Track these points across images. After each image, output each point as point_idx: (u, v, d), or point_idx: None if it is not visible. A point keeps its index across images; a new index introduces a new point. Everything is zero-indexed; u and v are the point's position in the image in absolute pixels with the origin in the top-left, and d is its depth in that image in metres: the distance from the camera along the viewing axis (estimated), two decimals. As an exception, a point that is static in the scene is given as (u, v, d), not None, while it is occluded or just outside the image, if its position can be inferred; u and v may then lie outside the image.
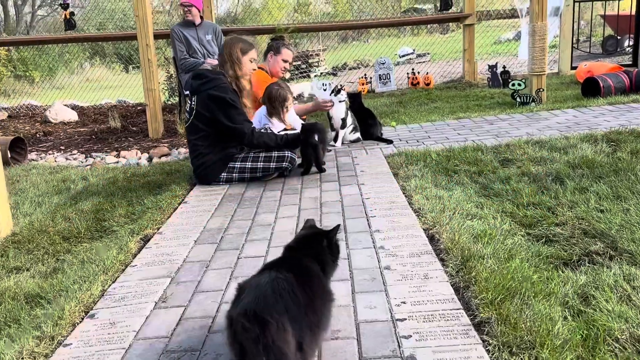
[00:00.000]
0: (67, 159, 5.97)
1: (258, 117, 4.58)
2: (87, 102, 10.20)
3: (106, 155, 5.82)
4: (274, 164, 3.92)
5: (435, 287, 2.21)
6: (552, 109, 5.93)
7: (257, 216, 3.26)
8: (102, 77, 17.44)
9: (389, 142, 4.93)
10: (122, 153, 5.77)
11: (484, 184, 3.64)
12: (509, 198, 3.34)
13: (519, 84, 6.53)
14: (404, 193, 3.47)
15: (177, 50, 6.29)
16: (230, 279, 2.44)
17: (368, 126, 5.08)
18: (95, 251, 2.94)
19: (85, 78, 18.68)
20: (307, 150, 3.97)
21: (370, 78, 9.32)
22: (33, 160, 6.03)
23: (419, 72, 9.31)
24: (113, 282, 2.53)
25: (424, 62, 14.60)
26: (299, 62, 14.66)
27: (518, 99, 6.41)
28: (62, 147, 6.50)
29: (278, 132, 4.57)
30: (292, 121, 4.72)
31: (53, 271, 2.84)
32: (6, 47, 14.52)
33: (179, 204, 3.64)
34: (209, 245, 2.86)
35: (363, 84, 9.17)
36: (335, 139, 4.97)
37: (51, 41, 9.59)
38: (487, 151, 4.34)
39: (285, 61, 5.21)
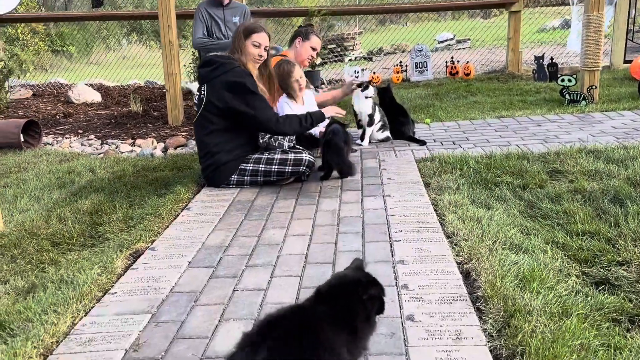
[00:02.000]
0: (82, 144, 5.63)
1: (279, 106, 4.12)
2: (115, 82, 9.90)
3: (122, 143, 5.46)
4: (290, 167, 3.46)
5: (471, 355, 1.73)
6: (605, 110, 5.29)
7: (264, 232, 2.82)
8: (139, 54, 17.17)
9: (422, 143, 4.40)
10: (138, 141, 5.39)
11: (530, 202, 3.11)
12: (560, 223, 2.81)
13: (569, 80, 5.89)
14: (435, 210, 2.97)
15: (194, 29, 5.81)
16: (219, 320, 2.00)
17: (399, 124, 4.56)
18: (78, 267, 2.54)
19: (121, 55, 18.49)
20: (329, 154, 3.50)
21: (406, 66, 8.73)
22: (48, 144, 5.71)
23: (458, 61, 8.67)
24: (86, 314, 2.12)
25: (463, 48, 13.85)
26: (334, 45, 14.08)
27: (567, 97, 5.78)
28: (80, 131, 6.17)
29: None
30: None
31: (29, 290, 2.46)
32: (44, 23, 14.36)
33: (182, 210, 3.22)
34: (204, 269, 2.43)
35: (398, 72, 8.60)
36: (362, 138, 4.47)
37: (75, 18, 9.28)
38: (534, 160, 3.79)
39: (313, 49, 4.72)
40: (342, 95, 4.74)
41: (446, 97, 6.71)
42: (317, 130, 4.08)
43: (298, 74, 4.00)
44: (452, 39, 14.98)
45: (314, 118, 3.55)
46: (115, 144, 5.48)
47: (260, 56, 3.66)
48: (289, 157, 3.45)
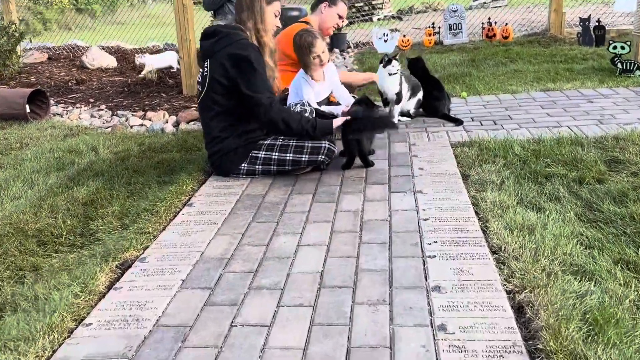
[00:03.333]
0: (92, 115, 5.23)
1: (295, 85, 3.62)
2: (134, 44, 9.43)
3: (132, 115, 5.04)
4: (307, 156, 2.98)
5: None
6: (666, 82, 4.65)
7: (274, 239, 2.38)
8: (163, 12, 16.53)
9: (459, 122, 3.87)
10: (149, 114, 4.96)
11: (588, 201, 2.60)
12: (627, 232, 2.30)
13: (622, 47, 5.21)
14: (476, 212, 2.49)
15: None
16: (210, 372, 1.59)
17: (433, 99, 4.02)
18: (57, 281, 2.15)
19: (145, 14, 17.95)
20: (350, 140, 3.01)
21: (439, 28, 8.04)
22: (57, 114, 5.33)
23: (495, 22, 7.95)
24: (52, 352, 1.73)
25: (500, 6, 12.95)
26: (361, 4, 13.33)
27: (620, 66, 5.12)
28: (92, 100, 5.77)
29: (319, 103, 3.63)
30: (337, 95, 3.74)
31: (-2, 309, 2.09)
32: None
33: (183, 205, 2.79)
34: (199, 291, 2.01)
35: (430, 35, 7.93)
36: (390, 117, 3.95)
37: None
38: (589, 146, 3.24)
39: (340, 17, 4.17)
40: (366, 80, 4.21)
41: (483, 63, 6.08)
42: (339, 109, 3.59)
43: (320, 47, 3.48)
44: (487, -3, 14.02)
45: (318, 127, 2.99)
46: (126, 116, 5.06)
47: (278, 26, 3.17)
48: (306, 145, 2.97)
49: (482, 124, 3.84)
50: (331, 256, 2.19)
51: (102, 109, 5.42)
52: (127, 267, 2.22)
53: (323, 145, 2.97)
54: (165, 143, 4.00)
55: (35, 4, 18.27)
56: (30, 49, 8.18)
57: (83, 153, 3.87)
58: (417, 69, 4.10)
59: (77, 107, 5.58)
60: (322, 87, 3.63)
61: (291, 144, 2.98)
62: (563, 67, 5.56)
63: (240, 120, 2.99)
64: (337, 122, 3.07)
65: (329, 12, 4.12)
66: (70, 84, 6.42)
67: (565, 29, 7.90)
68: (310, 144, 2.97)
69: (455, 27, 7.89)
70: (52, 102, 5.77)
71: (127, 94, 5.86)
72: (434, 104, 4.00)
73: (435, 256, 2.13)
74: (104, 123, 4.98)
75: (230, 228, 2.49)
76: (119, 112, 5.22)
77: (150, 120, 4.85)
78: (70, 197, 3.11)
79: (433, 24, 8.11)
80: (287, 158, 2.98)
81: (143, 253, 2.31)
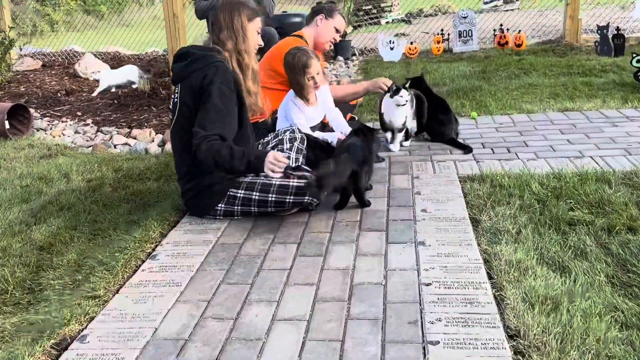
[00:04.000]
0: (76, 131, 4.85)
1: (284, 109, 3.21)
2: (134, 50, 9.05)
3: (117, 132, 4.64)
4: (292, 197, 2.56)
5: None
6: (698, 101, 4.18)
7: (245, 309, 1.95)
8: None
9: (468, 149, 3.42)
10: (134, 132, 4.56)
11: (620, 258, 2.16)
12: (674, 307, 1.86)
13: (647, 60, 4.74)
14: (489, 275, 2.06)
15: None
16: None
17: (439, 123, 3.58)
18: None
19: (153, 14, 17.60)
20: (343, 175, 2.58)
21: (448, 34, 7.58)
22: (41, 129, 4.95)
23: (507, 29, 7.47)
24: None
25: (512, 10, 12.44)
26: (370, 7, 12.86)
27: (645, 81, 4.66)
28: (79, 113, 5.39)
29: (313, 128, 3.22)
30: (331, 119, 3.32)
31: None
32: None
33: (147, 257, 2.38)
34: (142, 391, 1.59)
35: (438, 42, 7.47)
36: (392, 141, 3.51)
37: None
38: (617, 182, 2.79)
39: (337, 31, 3.74)
40: (363, 92, 3.77)
41: (495, 75, 5.62)
42: (334, 136, 3.17)
43: (316, 68, 3.07)
44: (499, 0, 13.51)
45: (251, 163, 2.48)
46: (111, 133, 4.67)
47: (261, 45, 2.76)
48: (291, 184, 2.55)
49: (494, 152, 3.40)
50: (311, 338, 1.77)
51: (88, 124, 5.03)
52: (63, 347, 1.81)
53: (311, 185, 2.54)
54: (145, 168, 3.59)
55: (43, 6, 18.00)
56: (24, 55, 7.82)
57: (54, 181, 3.48)
58: (419, 89, 3.66)
59: (62, 121, 5.20)
60: (315, 111, 3.21)
61: (274, 182, 2.56)
62: (581, 81, 5.09)
63: (216, 153, 2.57)
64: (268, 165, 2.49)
65: (325, 25, 3.70)
66: (59, 94, 6.04)
67: (582, 36, 7.41)
68: (295, 184, 2.54)
69: (465, 34, 7.43)
70: (37, 115, 5.40)
71: (117, 107, 5.46)
72: (440, 129, 3.56)
73: (438, 342, 1.70)
74: (87, 141, 4.59)
75: (195, 292, 2.07)
76: (104, 128, 4.83)
77: (135, 138, 4.45)
78: (28, 239, 2.71)
79: (442, 30, 7.65)
80: (270, 199, 2.56)
81: (86, 328, 1.90)
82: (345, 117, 3.91)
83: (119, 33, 10.27)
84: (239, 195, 2.59)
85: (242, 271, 2.20)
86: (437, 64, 6.63)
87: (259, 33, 2.71)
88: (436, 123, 3.56)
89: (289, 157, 2.90)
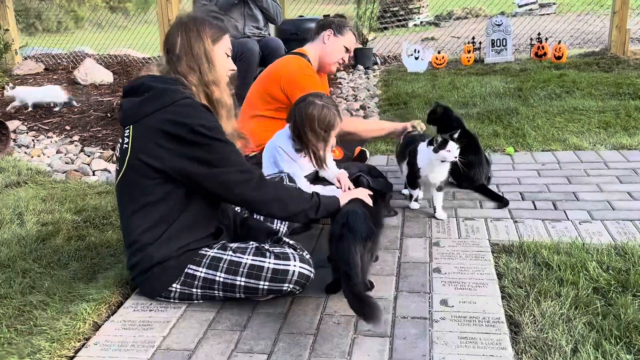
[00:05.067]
0: (58, 151, 4.28)
1: (271, 152, 2.55)
2: (147, 52, 8.47)
3: (100, 154, 4.06)
4: (266, 283, 1.88)
5: None
6: None
7: None
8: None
9: (503, 202, 2.70)
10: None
11: None
12: None
13: None
14: None
15: None
16: None
17: (467, 166, 2.86)
18: None
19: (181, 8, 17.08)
20: (337, 254, 1.89)
21: (479, 43, 6.81)
22: (22, 146, 4.41)
23: (546, 39, 6.65)
24: None
25: (548, 14, 11.53)
26: (397, 8, 12.07)
27: None
28: (68, 128, 4.82)
29: (310, 175, 2.56)
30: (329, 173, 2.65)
31: None
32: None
33: (67, 364, 1.75)
34: None
35: (469, 52, 6.69)
36: (410, 197, 2.78)
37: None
38: None
39: (347, 50, 3.05)
40: (385, 134, 3.08)
41: (533, 95, 4.85)
42: (336, 192, 2.49)
43: (337, 132, 2.42)
44: (534, 3, 12.60)
45: (324, 206, 2.02)
46: (94, 154, 4.08)
47: (233, 70, 2.10)
48: (266, 265, 1.88)
49: (536, 207, 2.67)
50: None
51: (75, 141, 4.47)
52: None
53: (292, 269, 1.87)
54: (113, 209, 2.97)
55: (68, 2, 17.69)
56: (29, 57, 7.32)
57: (3, 223, 2.87)
58: (446, 121, 2.95)
59: (48, 137, 4.64)
60: (309, 163, 2.53)
61: (244, 261, 1.90)
62: (635, 105, 4.29)
63: (173, 217, 1.92)
64: (345, 197, 2.12)
65: (333, 43, 3.01)
66: (52, 104, 5.48)
67: (630, 48, 6.56)
68: (272, 265, 1.87)
69: (499, 44, 6.64)
70: (24, 128, 4.86)
71: (108, 122, 4.88)
72: (468, 173, 2.83)
73: None
74: (65, 163, 4.00)
75: None
76: (87, 148, 4.24)
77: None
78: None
79: (473, 38, 6.87)
80: (238, 283, 1.90)
81: None
82: (354, 149, 3.23)
83: (141, 30, 9.62)
84: (199, 274, 1.93)
85: (182, 404, 1.55)
86: (466, 77, 5.87)
87: (228, 55, 2.05)
88: (464, 164, 2.84)
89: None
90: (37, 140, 4.58)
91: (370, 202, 2.09)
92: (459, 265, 2.16)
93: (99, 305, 1.99)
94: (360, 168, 2.75)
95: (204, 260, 1.94)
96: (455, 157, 2.46)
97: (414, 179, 2.64)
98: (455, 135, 2.48)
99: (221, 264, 1.91)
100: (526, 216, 2.56)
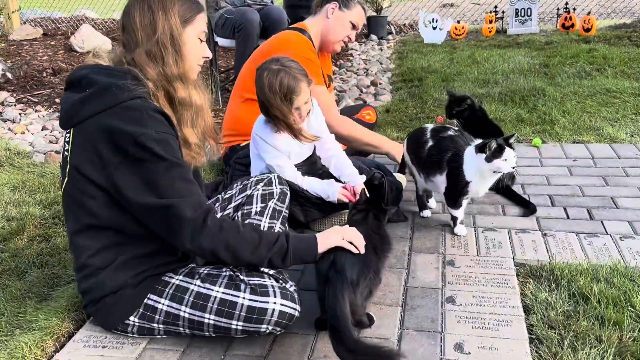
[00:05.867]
0: (43, 127, 3.91)
1: (256, 146, 2.15)
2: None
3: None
4: (240, 324, 1.51)
5: None
6: None
7: None
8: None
9: (529, 209, 2.28)
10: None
11: None
12: None
13: None
14: None
15: None
16: None
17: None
18: None
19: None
20: (325, 296, 1.50)
21: (502, 12, 6.24)
22: (8, 121, 4.05)
23: (574, 9, 6.06)
24: None
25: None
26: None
27: None
28: (57, 100, 4.44)
29: (304, 165, 2.17)
30: (325, 154, 2.25)
31: None
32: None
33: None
34: None
35: (490, 22, 6.14)
36: (454, 221, 2.28)
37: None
38: None
39: (354, 27, 2.60)
40: (379, 152, 2.65)
41: (560, 72, 4.35)
42: (335, 188, 2.10)
43: (304, 97, 1.99)
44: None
45: (295, 253, 1.54)
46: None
47: (208, 57, 1.67)
48: (239, 302, 1.50)
49: (568, 215, 2.25)
50: None
51: (63, 116, 4.08)
52: None
53: (270, 307, 1.49)
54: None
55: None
56: (28, 21, 6.90)
57: (-36, 217, 2.53)
58: (471, 116, 2.51)
59: (35, 110, 4.27)
60: (300, 152, 2.14)
61: (213, 295, 1.53)
62: (675, 87, 3.80)
63: (127, 243, 1.55)
64: (325, 242, 1.57)
65: (338, 18, 2.56)
66: (45, 73, 5.09)
67: (665, 20, 5.97)
68: (246, 302, 1.50)
69: (523, 13, 6.07)
70: (12, 99, 4.49)
71: (101, 95, 4.48)
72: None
73: None
74: (49, 142, 3.64)
75: None
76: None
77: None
78: None
79: (496, 7, 6.30)
80: (206, 321, 1.53)
81: None
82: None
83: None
84: (160, 307, 1.57)
85: None
86: (487, 49, 5.36)
87: (202, 40, 1.62)
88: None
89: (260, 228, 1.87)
90: (25, 114, 4.22)
91: (361, 247, 1.56)
92: (477, 294, 1.77)
93: (45, 337, 1.65)
94: (364, 162, 2.35)
95: (167, 289, 1.57)
96: (513, 168, 1.97)
97: (459, 196, 2.07)
98: (512, 140, 1.99)
99: (187, 296, 1.55)
100: (557, 227, 2.15)
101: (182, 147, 1.56)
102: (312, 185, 2.11)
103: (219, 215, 1.53)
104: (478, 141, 2.05)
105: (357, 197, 2.00)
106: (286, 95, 1.96)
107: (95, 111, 1.47)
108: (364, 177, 2.15)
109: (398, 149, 2.47)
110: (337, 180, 2.17)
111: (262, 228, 1.89)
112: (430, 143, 2.11)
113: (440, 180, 2.08)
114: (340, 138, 2.41)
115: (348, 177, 2.14)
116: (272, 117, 2.04)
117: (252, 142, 2.15)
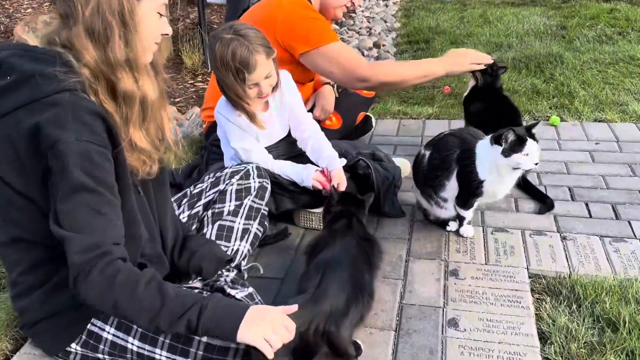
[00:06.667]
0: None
1: (225, 130, 1.83)
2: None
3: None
4: (200, 355, 1.23)
5: None
6: None
7: None
8: None
9: (546, 205, 1.97)
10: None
11: None
12: None
13: None
14: None
15: None
16: None
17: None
18: None
19: None
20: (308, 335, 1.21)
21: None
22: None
23: (595, -37, 5.53)
24: None
25: None
26: None
27: None
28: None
29: (271, 150, 1.86)
30: (301, 135, 1.94)
31: None
32: None
33: None
34: None
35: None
36: (460, 221, 1.85)
37: None
38: None
39: None
40: (431, 80, 2.28)
41: (580, 36, 3.93)
42: (309, 171, 1.80)
43: (263, 71, 1.65)
44: None
45: (206, 331, 1.12)
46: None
47: (167, 33, 1.32)
48: (195, 339, 1.21)
49: (590, 213, 1.94)
50: None
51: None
52: None
53: (232, 346, 1.21)
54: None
55: None
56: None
57: None
58: (489, 92, 2.15)
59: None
60: (269, 124, 1.81)
61: (162, 318, 1.23)
62: None
63: (62, 255, 1.23)
64: (249, 330, 1.12)
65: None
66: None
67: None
68: (204, 339, 1.21)
69: (539, -33, 5.54)
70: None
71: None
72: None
73: None
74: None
75: None
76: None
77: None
78: None
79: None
80: (157, 356, 1.25)
81: None
82: (356, 116, 2.47)
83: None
84: (105, 336, 1.29)
85: None
86: (501, 7, 4.92)
87: (161, 15, 1.27)
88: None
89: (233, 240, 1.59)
90: None
91: (289, 338, 1.12)
92: (484, 316, 1.49)
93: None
94: (355, 148, 2.03)
95: (111, 317, 1.28)
96: (536, 164, 1.62)
97: (471, 198, 1.74)
98: (535, 130, 1.63)
99: (135, 326, 1.26)
100: (578, 228, 1.84)
101: (127, 155, 1.23)
102: (283, 169, 1.79)
103: (124, 261, 1.14)
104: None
105: (332, 182, 1.71)
106: (240, 70, 1.62)
107: (14, 106, 1.15)
108: (343, 161, 1.84)
109: (453, 62, 2.10)
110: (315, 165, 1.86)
111: (235, 231, 1.60)
112: (428, 152, 1.78)
113: (451, 188, 1.74)
114: (386, 85, 2.10)
115: (325, 161, 1.81)
116: (227, 97, 1.72)
117: (217, 121, 1.83)
